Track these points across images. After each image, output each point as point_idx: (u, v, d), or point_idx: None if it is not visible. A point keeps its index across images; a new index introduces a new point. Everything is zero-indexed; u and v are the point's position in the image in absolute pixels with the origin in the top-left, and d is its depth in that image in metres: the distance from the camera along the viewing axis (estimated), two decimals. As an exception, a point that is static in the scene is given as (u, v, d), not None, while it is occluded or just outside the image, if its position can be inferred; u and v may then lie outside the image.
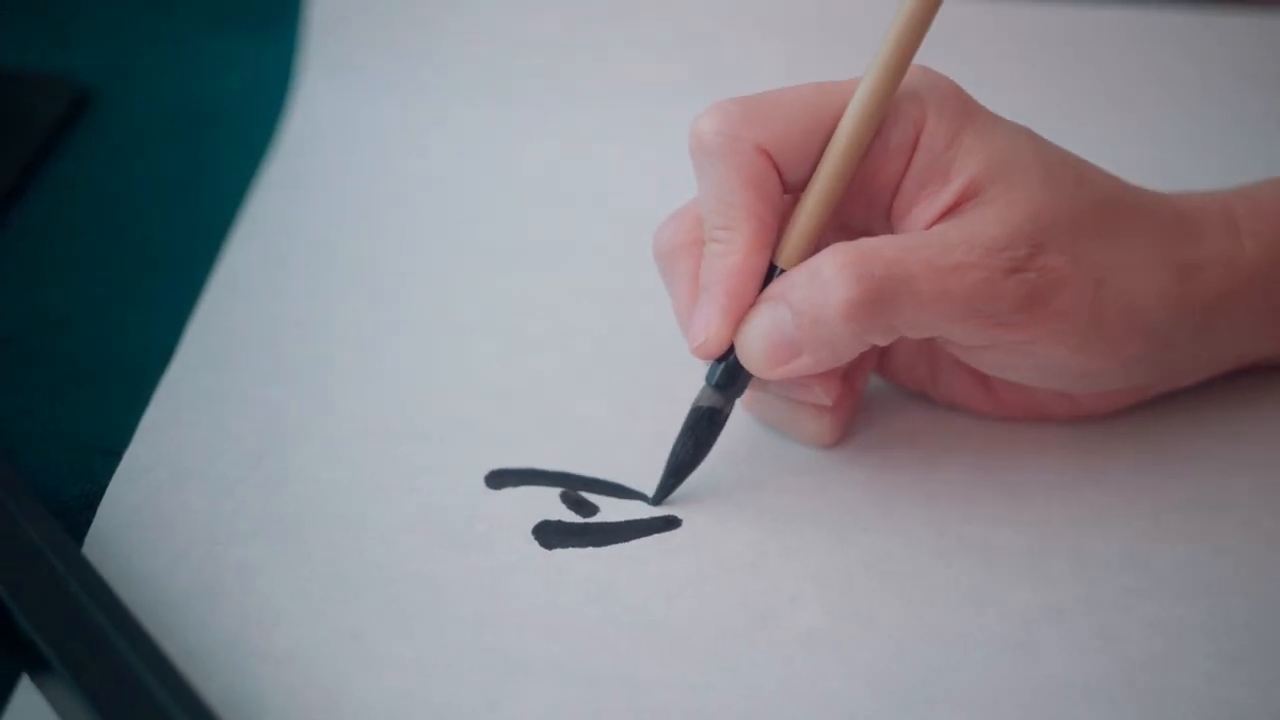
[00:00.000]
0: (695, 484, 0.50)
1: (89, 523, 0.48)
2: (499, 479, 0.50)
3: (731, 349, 0.48)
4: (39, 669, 0.44)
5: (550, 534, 0.49)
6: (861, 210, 0.48)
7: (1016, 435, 0.51)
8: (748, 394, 0.49)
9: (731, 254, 0.47)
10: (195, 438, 0.51)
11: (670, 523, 0.49)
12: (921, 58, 0.47)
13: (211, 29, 0.70)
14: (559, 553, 0.48)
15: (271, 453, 0.51)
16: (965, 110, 0.47)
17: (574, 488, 0.50)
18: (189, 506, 0.49)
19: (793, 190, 0.48)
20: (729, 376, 0.48)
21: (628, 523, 0.49)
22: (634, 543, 0.49)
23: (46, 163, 0.63)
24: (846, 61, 0.65)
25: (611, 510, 0.50)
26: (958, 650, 0.45)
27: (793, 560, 0.48)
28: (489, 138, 0.65)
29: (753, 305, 0.47)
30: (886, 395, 0.53)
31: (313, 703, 0.44)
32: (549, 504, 0.50)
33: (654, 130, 0.65)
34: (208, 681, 0.44)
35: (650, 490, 0.50)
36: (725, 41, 0.66)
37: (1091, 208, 0.47)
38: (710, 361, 0.48)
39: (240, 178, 0.62)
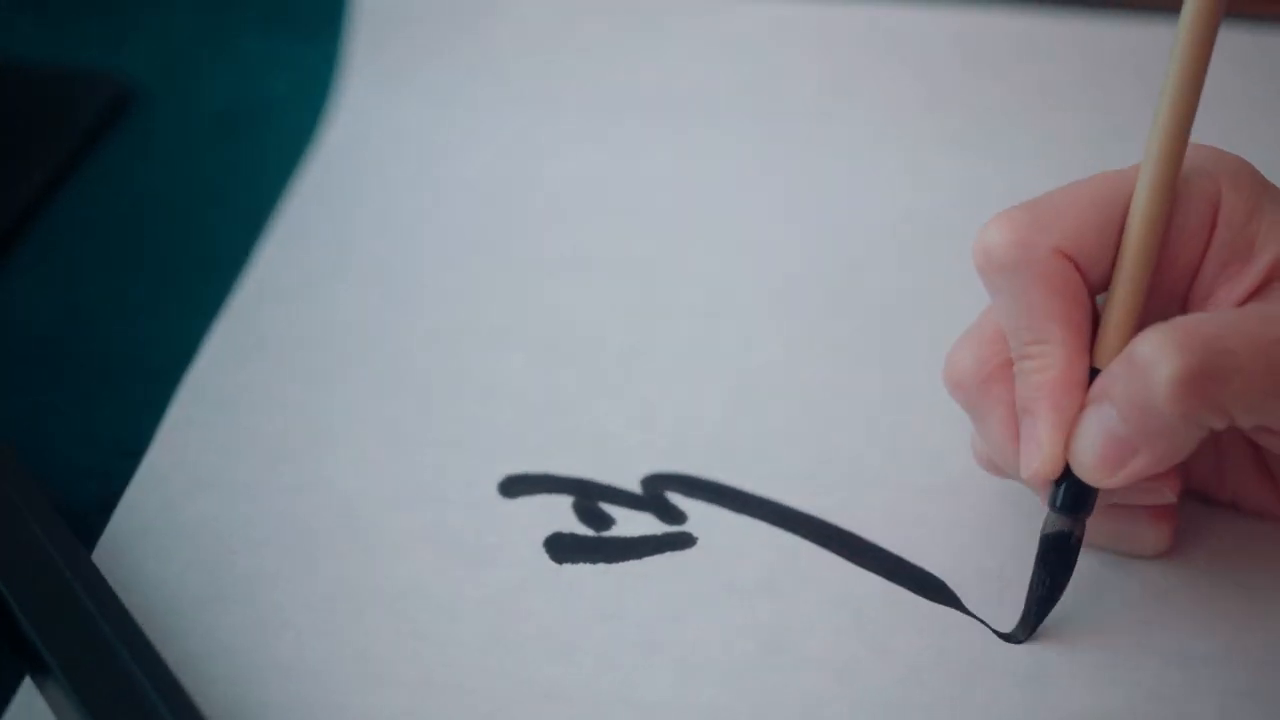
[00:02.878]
0: (715, 501, 0.50)
1: (104, 525, 0.48)
2: (513, 486, 0.50)
3: (1067, 468, 0.45)
4: (39, 671, 0.44)
5: (562, 548, 0.48)
6: (1162, 303, 0.46)
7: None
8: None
9: (1050, 368, 0.45)
10: (214, 442, 0.51)
11: (685, 540, 0.49)
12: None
13: (259, 31, 0.70)
14: (569, 568, 0.48)
15: (290, 459, 0.51)
16: (1260, 184, 0.45)
17: (590, 496, 0.50)
18: (204, 513, 0.49)
19: (1096, 290, 0.46)
20: (1072, 496, 0.45)
21: (641, 539, 0.49)
22: (646, 560, 0.48)
23: (86, 159, 0.64)
24: (888, 77, 0.65)
25: (626, 523, 0.49)
26: (967, 680, 0.45)
27: (806, 586, 0.47)
28: (528, 146, 0.64)
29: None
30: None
31: (315, 715, 0.44)
32: (562, 515, 0.49)
33: (694, 141, 0.65)
34: (210, 688, 0.44)
35: (673, 502, 0.50)
36: (767, 54, 0.65)
37: None
38: (1050, 487, 0.46)
39: (278, 180, 0.62)
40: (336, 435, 0.52)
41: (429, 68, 0.66)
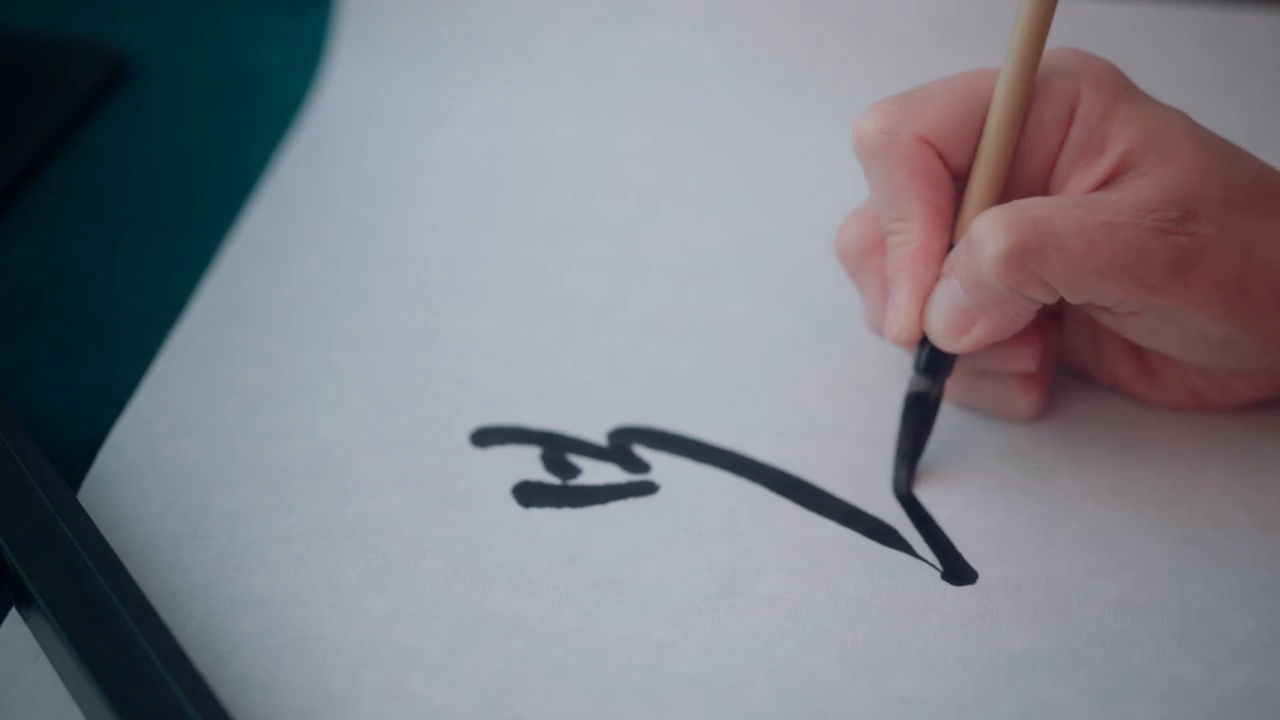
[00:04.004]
0: (679, 452, 0.51)
1: (89, 466, 0.50)
2: (484, 436, 0.52)
3: (924, 337, 0.50)
4: (24, 602, 0.46)
5: (529, 493, 0.50)
6: (1022, 192, 0.49)
7: (993, 420, 0.53)
8: (952, 382, 0.51)
9: (909, 242, 0.49)
10: (198, 390, 0.53)
11: (647, 488, 0.50)
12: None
13: (251, 3, 0.72)
14: (535, 511, 0.50)
15: (269, 406, 0.53)
16: (1120, 86, 0.49)
17: (558, 448, 0.52)
18: (185, 455, 0.51)
19: (959, 177, 0.50)
20: (930, 359, 0.50)
21: (605, 486, 0.50)
22: (610, 505, 0.50)
23: (82, 126, 0.65)
24: (871, 49, 0.67)
25: (592, 472, 0.51)
26: (915, 619, 0.46)
27: (764, 531, 0.49)
28: (510, 116, 0.66)
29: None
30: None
31: (285, 644, 0.45)
32: (530, 465, 0.51)
33: (673, 112, 0.66)
34: (186, 620, 0.46)
35: (638, 452, 0.51)
36: (751, 25, 0.67)
37: (1241, 182, 0.48)
38: (916, 350, 0.50)
39: (267, 147, 0.64)
40: (315, 386, 0.54)
41: (415, 40, 0.68)
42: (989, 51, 0.66)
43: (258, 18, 0.71)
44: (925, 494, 0.50)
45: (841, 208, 0.61)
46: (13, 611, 0.46)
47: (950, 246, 0.49)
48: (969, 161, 0.49)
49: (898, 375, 0.53)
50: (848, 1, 0.67)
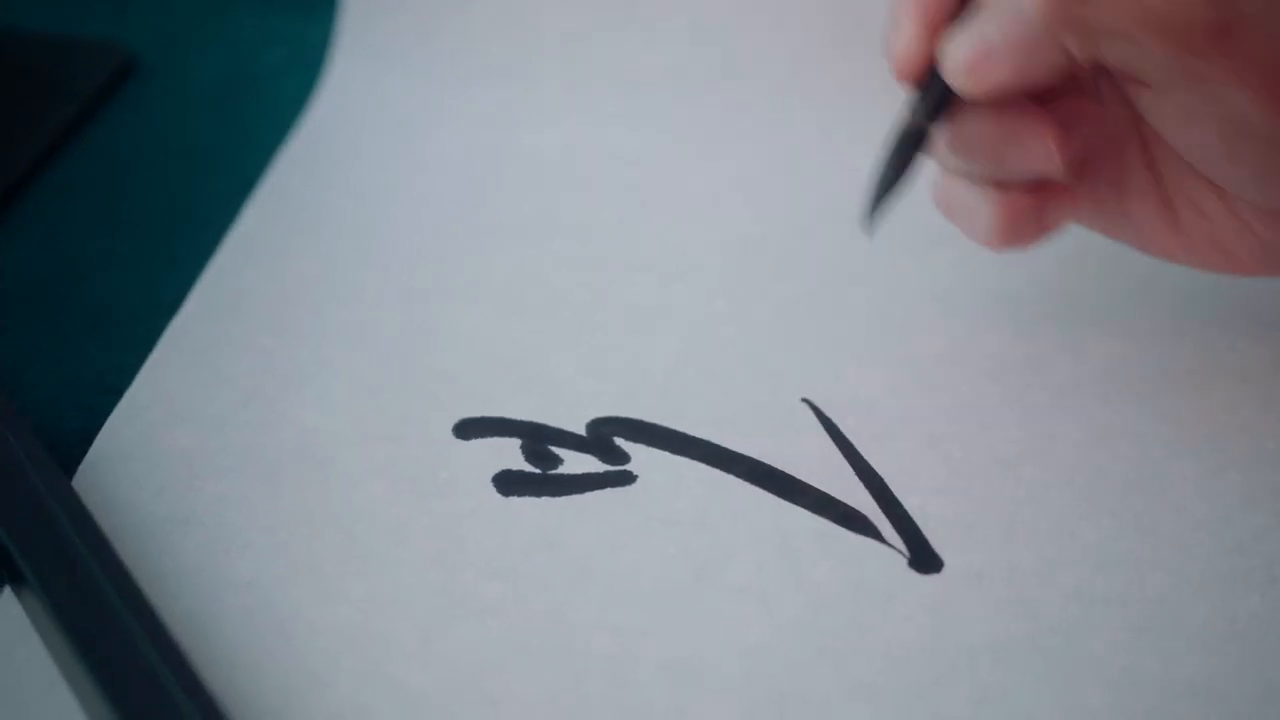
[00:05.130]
0: (657, 444, 0.53)
1: (85, 453, 0.52)
2: (467, 428, 0.53)
3: (934, 71, 0.49)
4: (17, 581, 0.47)
5: (509, 482, 0.52)
6: None
7: (971, 406, 0.54)
8: (940, 181, 0.52)
9: None
10: (192, 381, 0.55)
11: (625, 478, 0.52)
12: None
13: (256, 6, 0.73)
14: (514, 500, 0.51)
15: (260, 397, 0.54)
16: None
17: (539, 439, 0.53)
18: (177, 444, 0.53)
19: None
20: (935, 98, 0.49)
21: (584, 476, 0.52)
22: (588, 495, 0.51)
23: (88, 124, 0.67)
24: (858, 57, 0.68)
25: (571, 463, 0.52)
26: (881, 607, 0.48)
27: (737, 520, 0.50)
28: (504, 120, 0.67)
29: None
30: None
31: (268, 627, 0.47)
32: (511, 455, 0.53)
33: (662, 117, 0.68)
34: (173, 602, 0.47)
35: (626, 451, 0.53)
36: (739, 34, 0.69)
37: None
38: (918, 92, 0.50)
39: (267, 148, 0.65)
40: (303, 379, 0.55)
41: (415, 45, 0.70)
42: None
43: (261, 21, 0.73)
44: (896, 480, 0.52)
45: (823, 209, 0.63)
46: (6, 590, 0.48)
47: None
48: None
49: (877, 373, 0.55)
50: (836, 9, 0.68)
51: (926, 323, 0.58)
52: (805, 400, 0.55)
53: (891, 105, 0.67)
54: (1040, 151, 0.50)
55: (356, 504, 0.51)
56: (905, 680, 0.46)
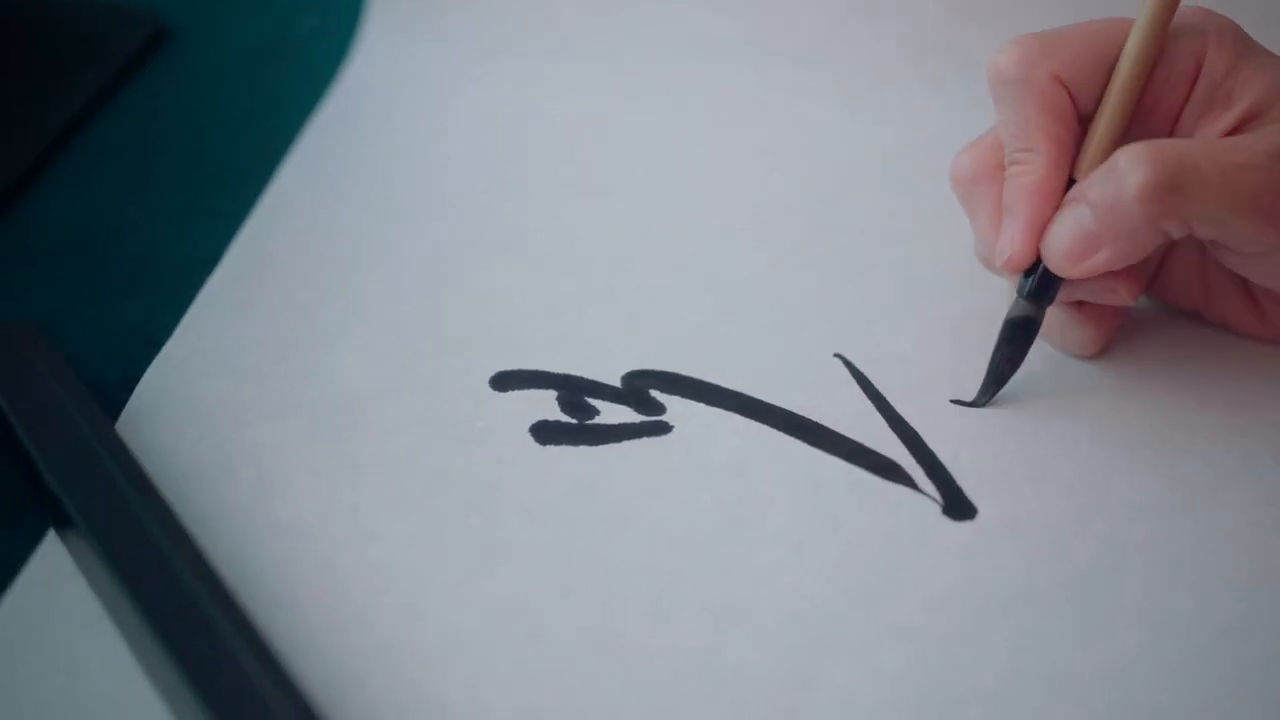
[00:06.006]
0: (692, 395, 0.53)
1: (125, 403, 0.53)
2: (503, 381, 0.54)
3: (1038, 262, 0.52)
4: (63, 524, 0.48)
5: (546, 432, 0.52)
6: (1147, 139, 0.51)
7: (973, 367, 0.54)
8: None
9: (1032, 173, 0.52)
10: (231, 334, 0.56)
11: (661, 428, 0.52)
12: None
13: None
14: (552, 449, 0.52)
15: (298, 348, 0.55)
16: (1244, 43, 0.52)
17: (575, 390, 0.54)
18: (217, 392, 0.53)
19: (1085, 120, 0.52)
20: (1038, 286, 0.52)
21: (620, 426, 0.52)
22: (624, 444, 0.52)
23: (124, 88, 0.68)
24: (881, 25, 0.68)
25: (608, 414, 0.53)
26: (914, 552, 0.48)
27: (771, 468, 0.51)
28: (535, 86, 0.68)
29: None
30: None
31: (309, 567, 0.47)
32: (548, 406, 0.53)
33: (691, 82, 0.68)
34: (216, 545, 0.48)
35: (653, 395, 0.53)
36: (761, 3, 0.69)
37: None
38: (1020, 276, 0.52)
39: (301, 111, 0.66)
40: (340, 332, 0.56)
41: (444, 13, 0.70)
42: (1000, 26, 0.67)
43: (297, -11, 0.74)
44: (929, 432, 0.52)
45: (851, 174, 0.64)
46: (50, 533, 0.48)
47: (1069, 184, 0.52)
48: (1095, 105, 0.52)
49: (909, 329, 0.56)
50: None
51: (957, 282, 0.58)
52: (838, 355, 0.55)
53: (912, 74, 0.68)
54: (1116, 297, 0.53)
55: (394, 451, 0.51)
56: (941, 624, 0.46)
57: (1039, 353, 0.54)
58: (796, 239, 0.61)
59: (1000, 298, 0.56)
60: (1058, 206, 0.52)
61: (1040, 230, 0.52)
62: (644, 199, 0.63)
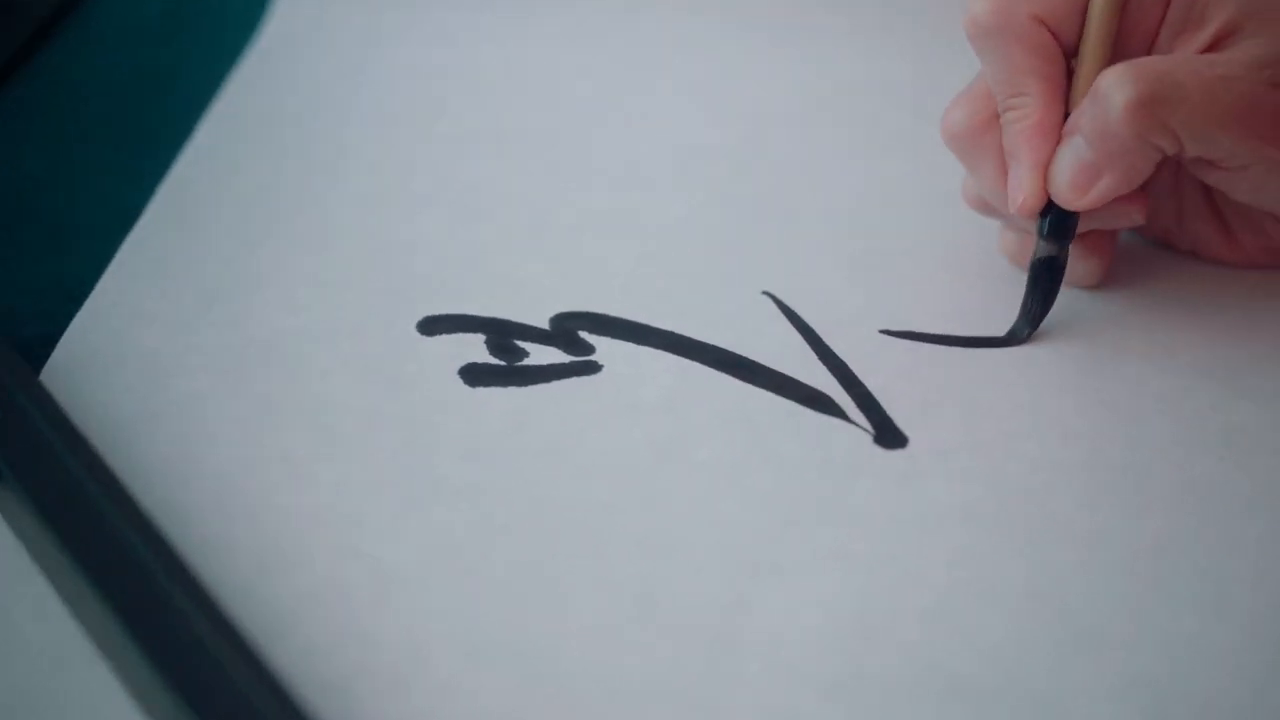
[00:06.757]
0: (620, 335, 0.53)
1: (47, 357, 0.52)
2: (431, 325, 0.54)
3: (1050, 201, 0.52)
4: (-10, 479, 0.47)
5: (476, 374, 0.52)
6: None
7: (928, 294, 0.55)
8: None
9: (1028, 116, 0.52)
10: (155, 287, 0.55)
11: (591, 367, 0.52)
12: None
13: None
14: (482, 390, 0.51)
15: (223, 299, 0.54)
16: None
17: (503, 333, 0.53)
18: (142, 344, 0.53)
19: (1071, 55, 0.52)
20: (1055, 225, 0.52)
21: (550, 366, 0.52)
22: (554, 384, 0.52)
23: (40, 50, 0.67)
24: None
25: (537, 355, 0.53)
26: (847, 479, 0.48)
27: (702, 404, 0.51)
28: (454, 40, 0.68)
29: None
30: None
31: (240, 513, 0.47)
32: (477, 350, 0.53)
33: (609, 32, 0.68)
34: (146, 493, 0.47)
35: (589, 336, 0.53)
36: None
37: None
38: (1037, 220, 0.53)
39: (219, 71, 0.66)
40: (265, 282, 0.55)
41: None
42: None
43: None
44: (858, 364, 0.52)
45: (773, 115, 0.64)
46: (-21, 490, 0.48)
47: (1065, 117, 0.52)
48: (1078, 39, 0.52)
49: (836, 266, 0.56)
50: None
51: (881, 217, 0.58)
52: (766, 293, 0.55)
53: (830, 14, 0.68)
54: (1128, 219, 0.53)
55: (323, 396, 0.51)
56: (876, 547, 0.46)
57: (963, 282, 0.55)
58: (721, 180, 0.61)
59: (925, 228, 0.56)
60: (1056, 144, 0.52)
61: (1045, 171, 0.52)
62: (567, 146, 0.63)
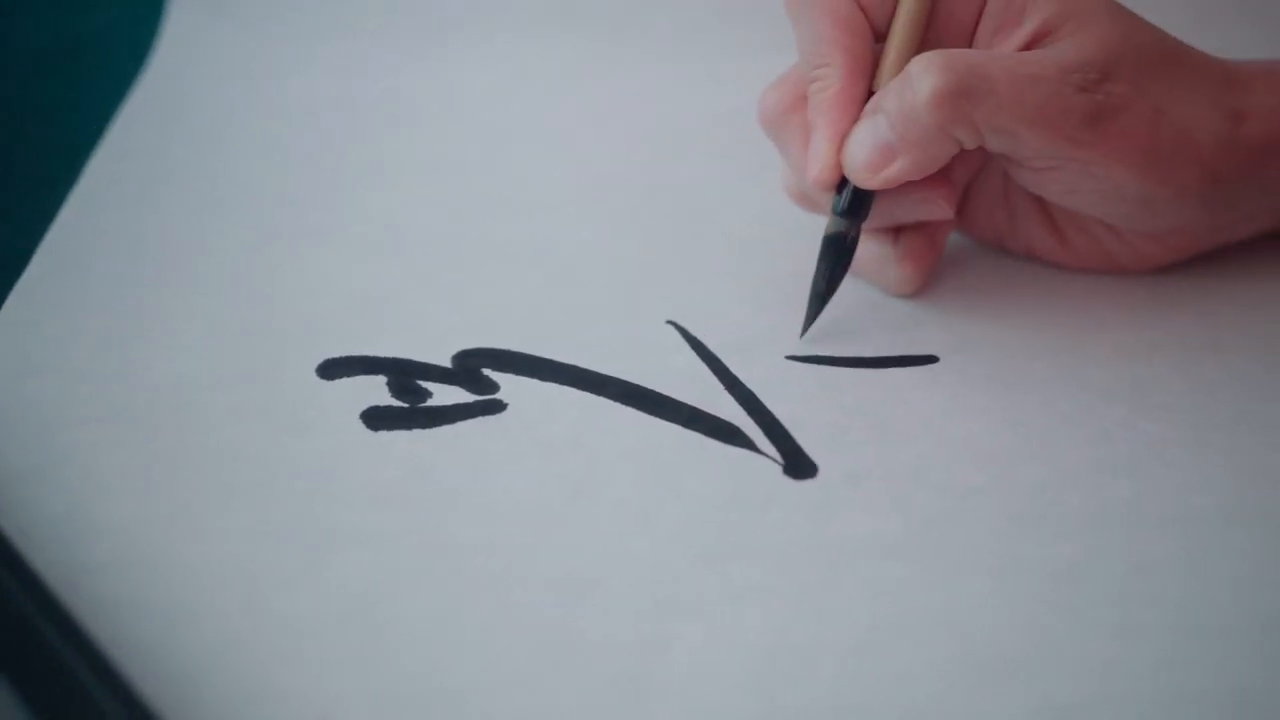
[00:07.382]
0: (524, 372, 0.53)
1: (-71, 414, 0.51)
2: (330, 369, 0.53)
3: (844, 178, 0.52)
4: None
5: (378, 418, 0.51)
6: None
7: (835, 317, 0.54)
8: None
9: (830, 86, 0.52)
10: (44, 334, 0.54)
11: (495, 406, 0.51)
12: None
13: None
14: (385, 434, 0.50)
15: (115, 346, 0.53)
16: None
17: (405, 374, 0.52)
18: (31, 396, 0.51)
19: (881, 37, 0.53)
20: (850, 202, 0.52)
21: (454, 406, 0.51)
22: (459, 425, 0.51)
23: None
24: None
25: (440, 395, 0.52)
26: (759, 512, 0.48)
27: (611, 439, 0.50)
28: (353, 70, 0.67)
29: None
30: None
31: (138, 569, 0.46)
32: (378, 392, 0.52)
33: (511, 58, 0.68)
34: (39, 552, 0.46)
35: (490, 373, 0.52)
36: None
37: (1152, 49, 0.52)
38: (835, 195, 0.52)
39: (108, 107, 0.64)
40: (158, 327, 0.54)
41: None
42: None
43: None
44: (765, 392, 0.52)
45: (673, 142, 0.63)
46: None
47: (869, 95, 0.52)
48: (889, 22, 0.52)
49: (740, 292, 0.55)
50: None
51: (785, 242, 0.58)
52: (670, 322, 0.54)
53: (735, 38, 0.68)
54: (935, 209, 0.53)
55: (220, 445, 0.50)
56: (790, 579, 0.46)
57: (867, 304, 0.54)
58: (621, 209, 0.60)
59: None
60: (857, 118, 0.52)
61: (842, 142, 0.52)
62: (467, 177, 0.62)
